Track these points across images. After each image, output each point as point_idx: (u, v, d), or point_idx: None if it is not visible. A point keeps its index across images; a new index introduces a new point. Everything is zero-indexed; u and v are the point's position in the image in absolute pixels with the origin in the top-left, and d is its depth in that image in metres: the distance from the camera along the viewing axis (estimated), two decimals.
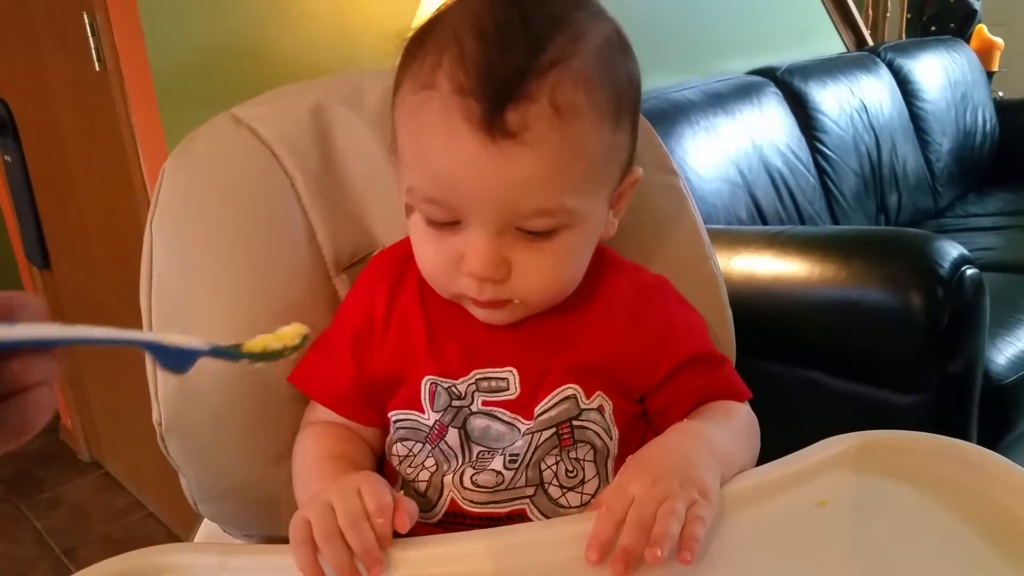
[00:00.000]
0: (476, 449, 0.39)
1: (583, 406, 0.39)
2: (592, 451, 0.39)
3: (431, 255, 0.37)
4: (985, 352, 0.90)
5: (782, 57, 1.58)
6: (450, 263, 0.37)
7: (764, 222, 1.31)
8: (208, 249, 0.45)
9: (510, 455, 0.38)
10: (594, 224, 0.38)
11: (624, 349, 0.40)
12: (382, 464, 0.42)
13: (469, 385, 0.39)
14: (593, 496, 0.38)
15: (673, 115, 1.26)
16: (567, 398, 0.39)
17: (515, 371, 0.39)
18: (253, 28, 1.03)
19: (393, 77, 0.37)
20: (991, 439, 0.93)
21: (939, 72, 1.79)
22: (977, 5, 2.18)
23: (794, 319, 0.91)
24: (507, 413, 0.39)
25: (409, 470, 0.40)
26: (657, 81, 1.37)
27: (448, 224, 0.36)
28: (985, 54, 2.03)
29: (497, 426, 0.39)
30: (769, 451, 0.40)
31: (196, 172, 0.47)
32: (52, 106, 1.19)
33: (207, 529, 0.50)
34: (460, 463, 0.39)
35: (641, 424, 0.42)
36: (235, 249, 0.44)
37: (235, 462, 0.44)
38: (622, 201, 0.41)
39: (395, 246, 0.45)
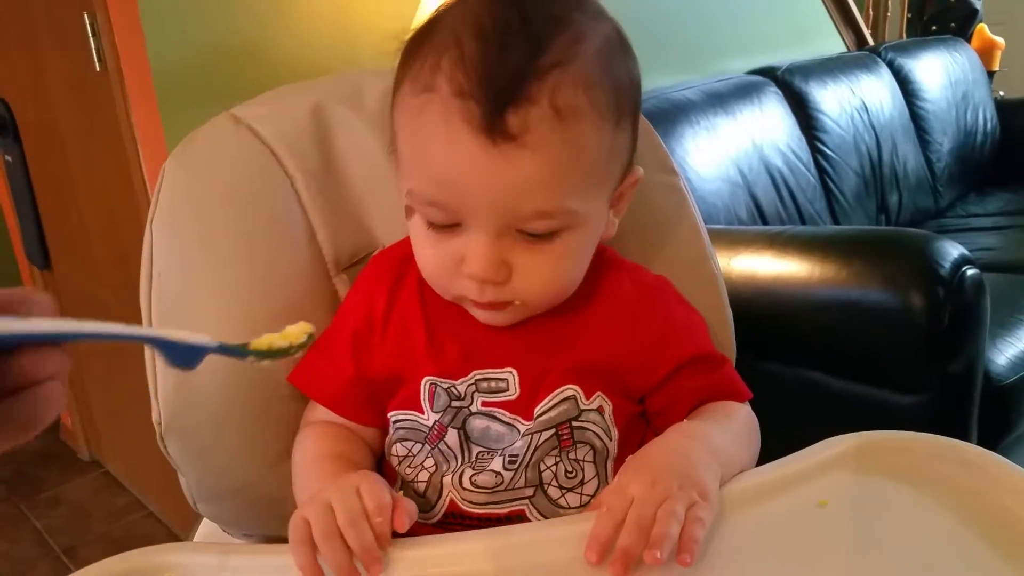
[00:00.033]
0: (475, 450, 0.39)
1: (583, 407, 0.39)
2: (592, 452, 0.39)
3: (431, 257, 0.37)
4: (985, 352, 0.90)
5: (782, 57, 1.58)
6: (450, 265, 0.37)
7: (764, 222, 1.31)
8: (208, 249, 0.45)
9: (509, 456, 0.38)
10: (595, 225, 0.38)
11: (624, 350, 0.40)
12: (381, 464, 0.42)
13: (469, 386, 0.39)
14: (592, 497, 0.38)
15: (673, 115, 1.26)
16: (567, 399, 0.39)
17: (515, 372, 0.39)
18: (253, 28, 1.03)
19: (393, 77, 0.37)
20: (991, 440, 0.93)
21: (940, 72, 1.79)
22: (978, 4, 2.18)
23: (794, 319, 0.91)
24: (507, 414, 0.39)
25: (408, 470, 0.40)
26: (657, 81, 1.37)
27: (448, 226, 0.36)
28: (986, 53, 2.03)
29: (496, 427, 0.39)
30: (769, 451, 0.40)
31: (196, 172, 0.47)
32: (52, 106, 1.19)
33: (206, 529, 0.50)
34: (459, 464, 0.39)
35: (641, 424, 0.42)
36: (235, 249, 0.44)
37: (234, 462, 0.44)
38: (623, 201, 0.41)
39: (395, 246, 0.45)
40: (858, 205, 1.50)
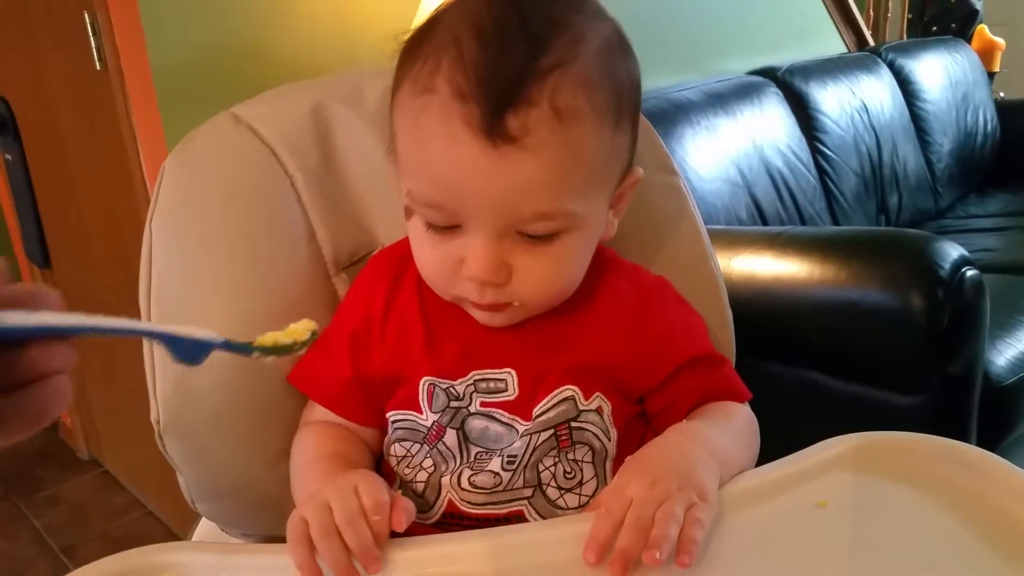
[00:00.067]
0: (474, 450, 0.39)
1: (581, 407, 0.39)
2: (590, 452, 0.39)
3: (431, 258, 0.37)
4: (985, 353, 0.90)
5: (783, 57, 1.58)
6: (450, 266, 0.37)
7: (764, 222, 1.31)
8: (207, 248, 0.45)
9: (508, 456, 0.38)
10: (595, 226, 0.38)
11: (623, 350, 0.40)
12: (380, 464, 0.42)
13: (467, 386, 0.39)
14: (591, 497, 0.38)
15: (673, 115, 1.26)
16: (566, 399, 0.39)
17: (513, 372, 0.39)
18: (253, 28, 1.03)
19: (393, 77, 0.37)
20: (991, 441, 0.93)
21: (940, 72, 1.79)
22: (978, 5, 2.18)
23: (794, 320, 0.91)
24: (505, 414, 0.39)
25: (407, 470, 0.40)
26: (658, 81, 1.37)
27: (448, 228, 0.36)
28: (986, 54, 2.03)
29: (495, 427, 0.39)
30: (769, 452, 0.40)
31: (196, 171, 0.46)
32: (52, 105, 1.19)
33: (205, 528, 0.50)
34: (458, 464, 0.39)
35: (640, 425, 0.42)
36: (234, 248, 0.44)
37: (233, 461, 0.44)
38: (622, 201, 0.41)
39: (394, 246, 0.45)
40: (858, 206, 1.50)
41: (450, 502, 0.38)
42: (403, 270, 0.42)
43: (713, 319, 0.48)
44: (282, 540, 0.33)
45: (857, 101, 1.56)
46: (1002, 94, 2.06)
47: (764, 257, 0.93)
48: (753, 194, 1.30)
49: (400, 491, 0.38)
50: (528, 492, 0.38)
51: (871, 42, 1.93)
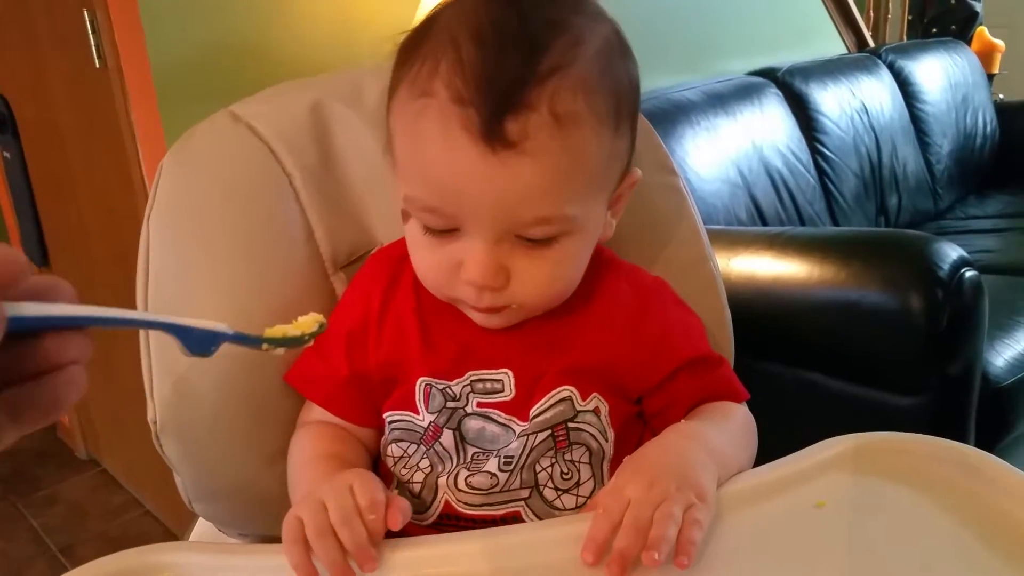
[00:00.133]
0: (471, 451, 0.39)
1: (579, 408, 0.39)
2: (588, 453, 0.39)
3: (428, 261, 0.37)
4: (984, 354, 0.90)
5: (783, 58, 1.58)
6: (448, 270, 0.36)
7: (764, 223, 1.31)
8: (205, 246, 0.44)
9: (505, 457, 0.38)
10: (593, 229, 0.38)
11: (621, 352, 0.40)
12: (377, 465, 0.42)
13: (464, 386, 0.39)
14: (588, 498, 0.38)
15: (673, 115, 1.26)
16: (563, 400, 0.39)
17: (510, 373, 0.39)
18: (253, 26, 1.03)
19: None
20: (989, 441, 0.93)
21: (940, 74, 1.79)
22: (978, 7, 2.18)
23: (793, 320, 0.91)
24: (502, 415, 0.39)
25: (404, 471, 0.40)
26: (657, 81, 1.37)
27: (446, 231, 0.36)
28: (986, 56, 2.03)
29: (492, 428, 0.39)
30: (768, 452, 0.40)
31: (194, 169, 0.46)
32: (52, 103, 1.19)
33: (202, 528, 0.50)
34: (455, 464, 0.39)
35: (638, 425, 0.42)
36: (232, 246, 0.44)
37: (230, 461, 0.44)
38: (620, 202, 0.41)
39: (393, 245, 0.44)
40: (857, 206, 1.50)
41: (447, 503, 0.38)
42: (400, 270, 0.41)
43: (712, 319, 0.48)
44: (279, 540, 0.33)
45: (857, 102, 1.56)
46: (1001, 96, 2.06)
47: (763, 257, 0.93)
48: (753, 195, 1.30)
49: (397, 492, 0.38)
50: (525, 493, 0.38)
51: (871, 43, 1.93)
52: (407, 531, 0.34)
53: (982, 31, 2.14)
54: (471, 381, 0.39)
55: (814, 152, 1.46)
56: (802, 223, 1.37)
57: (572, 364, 0.39)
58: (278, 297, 0.44)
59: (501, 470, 0.38)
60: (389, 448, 0.40)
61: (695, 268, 0.50)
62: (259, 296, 0.44)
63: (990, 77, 1.98)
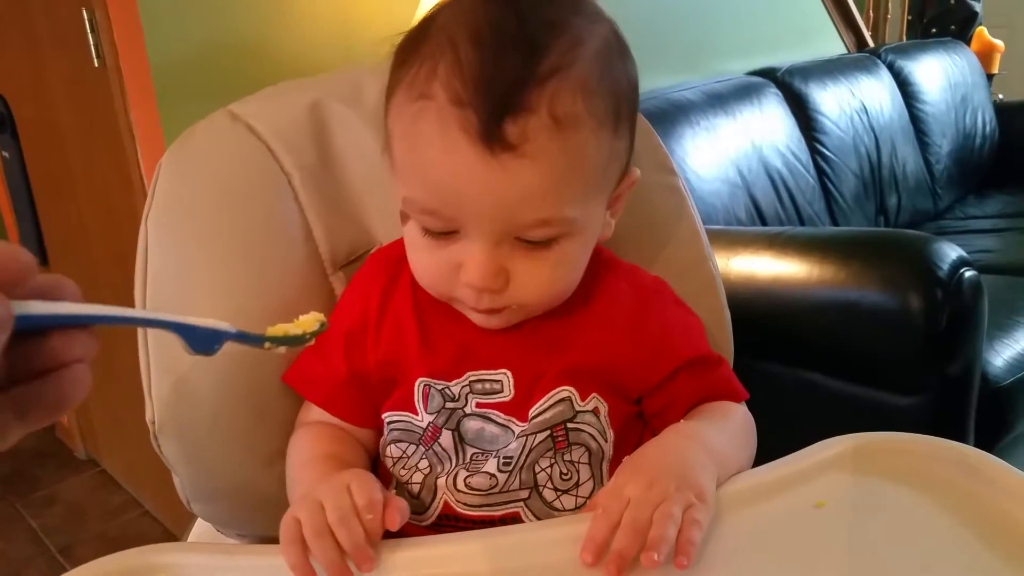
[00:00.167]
0: (470, 451, 0.39)
1: (578, 408, 0.39)
2: (587, 453, 0.39)
3: (427, 263, 0.37)
4: (983, 354, 0.90)
5: (782, 58, 1.58)
6: (447, 272, 0.36)
7: (763, 223, 1.31)
8: (204, 246, 0.44)
9: (504, 457, 0.38)
10: (593, 230, 0.38)
11: (621, 352, 0.40)
12: (377, 466, 0.42)
13: (463, 387, 0.39)
14: (588, 499, 0.38)
15: (673, 115, 1.26)
16: (562, 400, 0.38)
17: (509, 373, 0.39)
18: (252, 25, 1.03)
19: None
20: (988, 441, 0.93)
21: (939, 74, 1.79)
22: (978, 7, 2.18)
23: (793, 320, 0.91)
24: (501, 415, 0.39)
25: (403, 472, 0.40)
26: (657, 81, 1.37)
27: (445, 233, 0.35)
28: (985, 56, 2.03)
29: (491, 428, 0.38)
30: (767, 452, 0.40)
31: (192, 168, 0.46)
32: (51, 102, 1.19)
33: (201, 528, 0.50)
34: (454, 465, 0.39)
35: (637, 425, 0.41)
36: (230, 246, 0.44)
37: (228, 462, 0.44)
38: (619, 203, 0.41)
39: (392, 245, 0.44)
40: (857, 206, 1.50)
41: (446, 504, 0.38)
42: (399, 271, 0.41)
43: (712, 319, 0.48)
44: (278, 541, 0.32)
45: (856, 102, 1.56)
46: (1001, 96, 2.07)
47: (763, 257, 0.93)
48: (752, 194, 1.30)
49: (396, 492, 0.38)
50: (524, 494, 0.38)
51: (871, 43, 1.93)
52: (406, 532, 0.34)
53: (981, 31, 2.14)
54: (470, 381, 0.39)
55: (814, 152, 1.46)
56: (801, 223, 1.37)
57: (571, 364, 0.39)
58: (277, 296, 0.44)
59: (500, 471, 0.38)
60: (388, 449, 0.40)
61: (695, 268, 0.50)
62: (257, 295, 0.44)
63: (989, 77, 1.98)
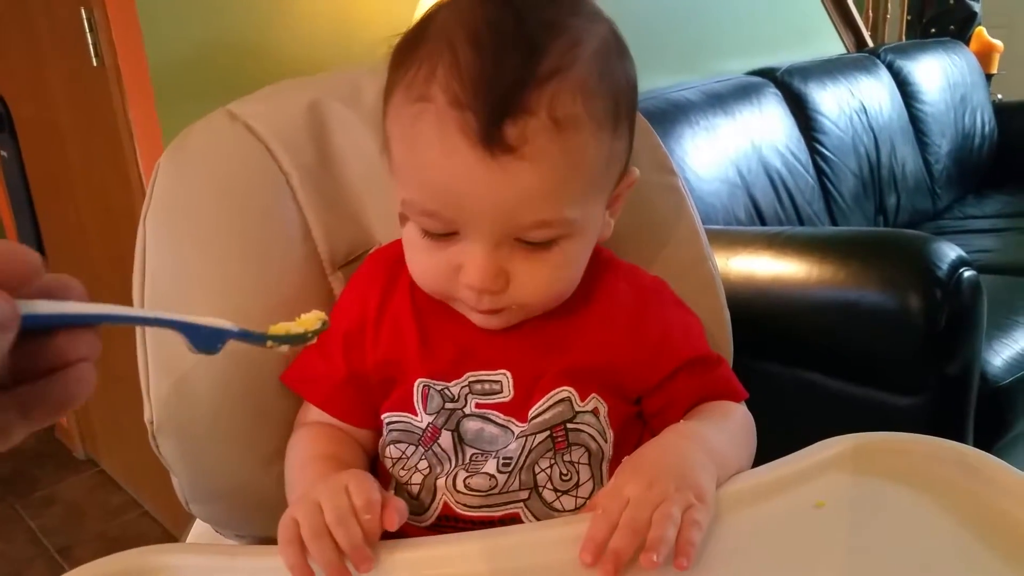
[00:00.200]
0: (469, 452, 0.38)
1: (577, 408, 0.39)
2: (587, 454, 0.39)
3: (426, 264, 0.37)
4: (982, 354, 0.90)
5: (782, 58, 1.58)
6: (447, 273, 0.36)
7: (763, 223, 1.31)
8: (202, 245, 0.44)
9: (503, 458, 0.38)
10: (593, 230, 0.38)
11: (621, 352, 0.40)
12: (376, 467, 0.42)
13: (462, 387, 0.39)
14: (588, 500, 0.38)
15: (672, 115, 1.26)
16: (561, 400, 0.38)
17: (508, 374, 0.39)
18: (251, 24, 1.03)
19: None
20: (988, 441, 0.93)
21: (938, 74, 1.79)
22: (977, 7, 2.18)
23: (792, 320, 0.91)
24: (500, 416, 0.39)
25: (402, 472, 0.39)
26: (656, 81, 1.37)
27: (445, 235, 0.35)
28: (984, 56, 2.03)
29: (490, 429, 0.38)
30: (766, 452, 0.40)
31: (191, 168, 0.46)
32: (49, 102, 1.18)
33: (200, 529, 0.50)
34: (453, 466, 0.38)
35: (637, 426, 0.41)
36: (229, 245, 0.44)
37: (227, 462, 0.44)
38: (618, 202, 0.41)
39: (391, 245, 0.44)
40: (856, 206, 1.50)
41: (445, 504, 0.38)
42: (398, 271, 0.41)
43: (711, 319, 0.48)
44: (276, 541, 0.32)
45: (856, 102, 1.56)
46: (1000, 96, 2.07)
47: (762, 257, 0.93)
48: (752, 194, 1.30)
49: (395, 493, 0.38)
50: (524, 494, 0.38)
51: (870, 43, 1.93)
52: (405, 533, 0.34)
53: (980, 31, 2.14)
54: (469, 382, 0.39)
55: (813, 152, 1.46)
56: (801, 223, 1.37)
57: (571, 365, 0.39)
58: (275, 296, 0.44)
59: (500, 471, 0.38)
60: (387, 449, 0.40)
61: (694, 268, 0.50)
62: (256, 295, 0.43)
63: (988, 77, 1.98)
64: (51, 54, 1.12)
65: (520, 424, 0.38)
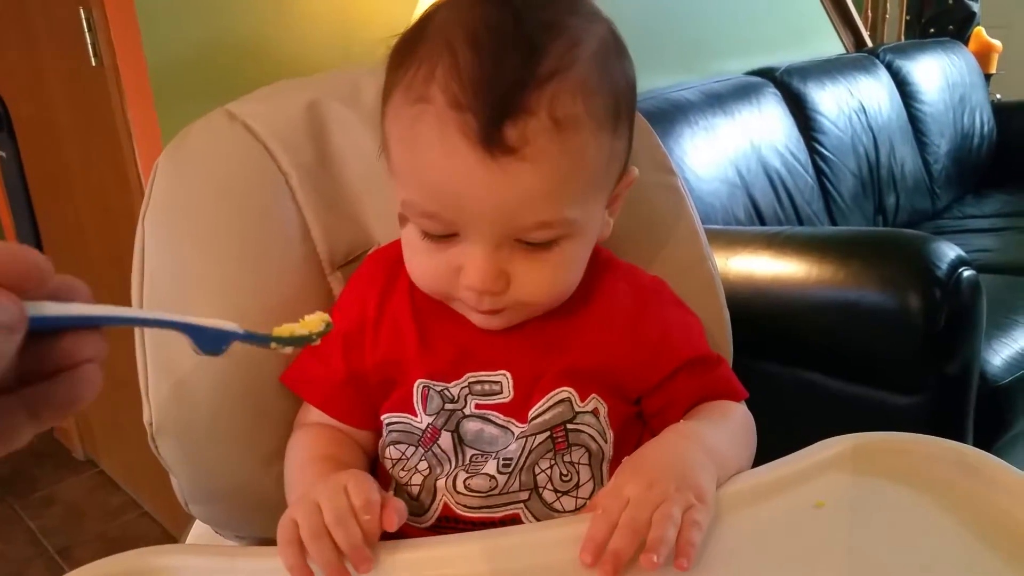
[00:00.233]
0: (469, 453, 0.38)
1: (577, 409, 0.38)
2: (587, 454, 0.39)
3: (426, 266, 0.37)
4: (981, 353, 0.90)
5: (781, 58, 1.58)
6: (447, 274, 0.36)
7: (762, 223, 1.31)
8: (200, 245, 0.44)
9: (503, 459, 0.38)
10: (593, 230, 0.38)
11: (621, 353, 0.40)
12: (376, 468, 0.42)
13: (462, 388, 0.39)
14: (588, 500, 0.38)
15: (672, 115, 1.26)
16: (561, 401, 0.38)
17: (508, 374, 0.39)
18: (250, 24, 1.03)
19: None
20: (987, 440, 0.93)
21: (937, 74, 1.79)
22: (976, 7, 2.18)
23: (792, 320, 0.91)
24: (500, 416, 0.38)
25: (402, 473, 0.39)
26: (656, 81, 1.37)
27: (445, 236, 0.35)
28: (983, 56, 2.04)
29: (490, 429, 0.38)
30: (766, 452, 0.40)
31: (189, 168, 0.46)
32: (48, 102, 1.18)
33: (200, 530, 0.50)
34: (453, 467, 0.38)
35: (637, 426, 0.41)
36: (228, 245, 0.44)
37: (227, 463, 0.44)
38: (618, 202, 0.41)
39: (390, 246, 0.44)
40: (855, 206, 1.50)
41: (445, 505, 0.38)
42: (397, 272, 0.41)
43: (711, 319, 0.48)
44: (276, 542, 0.32)
45: (855, 102, 1.56)
46: (999, 96, 2.07)
47: (762, 257, 0.93)
48: (751, 194, 1.30)
49: (395, 494, 0.38)
50: (524, 495, 0.38)
51: (869, 43, 1.93)
52: (405, 533, 0.34)
53: (979, 31, 2.14)
54: (469, 383, 0.39)
55: (812, 152, 1.46)
56: (800, 223, 1.37)
57: (571, 365, 0.39)
58: (275, 296, 0.44)
59: (500, 472, 0.38)
60: (387, 450, 0.40)
61: (693, 268, 0.50)
62: (255, 295, 0.43)
63: (987, 77, 1.99)
64: (50, 54, 1.12)
65: (520, 425, 0.38)
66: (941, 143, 1.73)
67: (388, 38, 0.36)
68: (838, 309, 0.87)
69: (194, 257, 0.44)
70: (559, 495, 0.38)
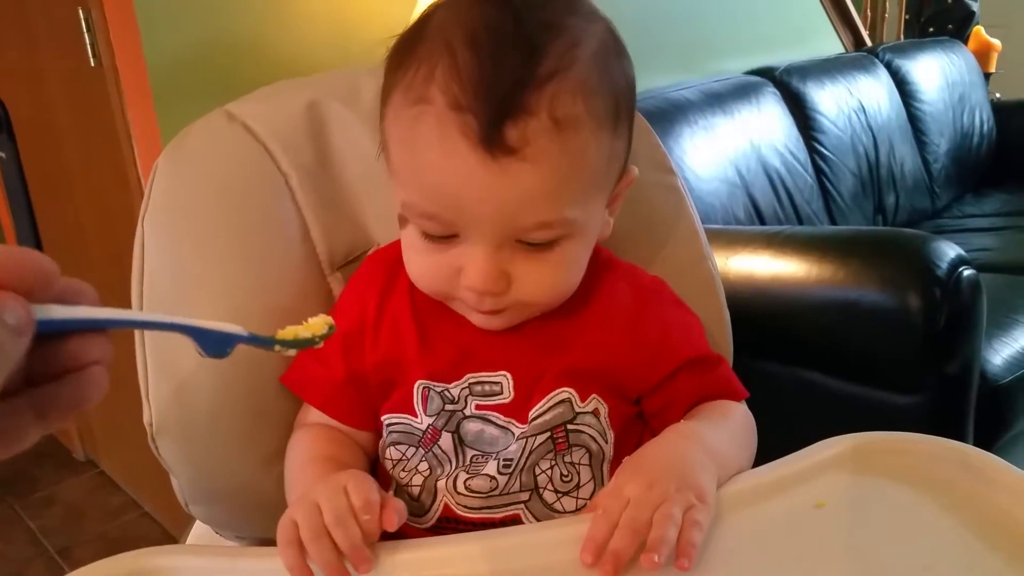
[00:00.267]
0: (470, 453, 0.38)
1: (578, 409, 0.38)
2: (587, 455, 0.39)
3: (426, 266, 0.37)
4: (982, 353, 0.90)
5: (780, 57, 1.58)
6: (447, 275, 0.36)
7: (762, 222, 1.31)
8: (200, 246, 0.44)
9: (504, 460, 0.38)
10: (593, 230, 0.38)
11: (621, 353, 0.40)
12: (376, 469, 0.42)
13: (462, 389, 0.39)
14: (588, 501, 0.38)
15: (671, 115, 1.26)
16: (562, 402, 0.38)
17: (508, 375, 0.39)
18: (249, 24, 1.03)
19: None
20: (988, 439, 0.93)
21: (937, 73, 1.79)
22: (975, 7, 2.18)
23: (792, 319, 0.91)
24: (501, 417, 0.38)
25: (402, 474, 0.39)
26: (655, 81, 1.37)
27: (445, 237, 0.35)
28: (983, 56, 2.04)
29: (491, 430, 0.38)
30: (766, 452, 0.40)
31: (189, 168, 0.46)
32: (47, 102, 1.18)
33: (200, 530, 0.50)
34: (454, 468, 0.38)
35: (637, 426, 0.41)
36: (227, 246, 0.44)
37: (227, 463, 0.44)
38: (618, 201, 0.41)
39: (390, 246, 0.44)
40: (855, 205, 1.50)
41: (446, 506, 0.38)
42: (397, 272, 0.41)
43: (711, 319, 0.48)
44: (276, 543, 0.32)
45: (854, 101, 1.56)
46: (998, 95, 2.07)
47: (762, 257, 0.93)
48: (751, 194, 1.30)
49: (396, 495, 0.38)
50: (525, 496, 0.38)
51: (868, 42, 1.93)
52: (406, 534, 0.34)
53: (979, 30, 2.14)
54: (469, 383, 0.39)
55: (812, 151, 1.46)
56: (800, 222, 1.37)
57: (571, 365, 0.39)
58: (274, 297, 0.44)
59: (500, 473, 0.38)
60: (387, 451, 0.40)
61: (693, 267, 0.50)
62: (255, 296, 0.43)
63: (987, 76, 1.99)
64: (49, 55, 1.12)
65: (520, 425, 0.38)
66: (941, 142, 1.73)
67: (387, 38, 0.36)
68: (838, 309, 0.87)
69: (194, 257, 0.44)
70: (560, 496, 0.38)
